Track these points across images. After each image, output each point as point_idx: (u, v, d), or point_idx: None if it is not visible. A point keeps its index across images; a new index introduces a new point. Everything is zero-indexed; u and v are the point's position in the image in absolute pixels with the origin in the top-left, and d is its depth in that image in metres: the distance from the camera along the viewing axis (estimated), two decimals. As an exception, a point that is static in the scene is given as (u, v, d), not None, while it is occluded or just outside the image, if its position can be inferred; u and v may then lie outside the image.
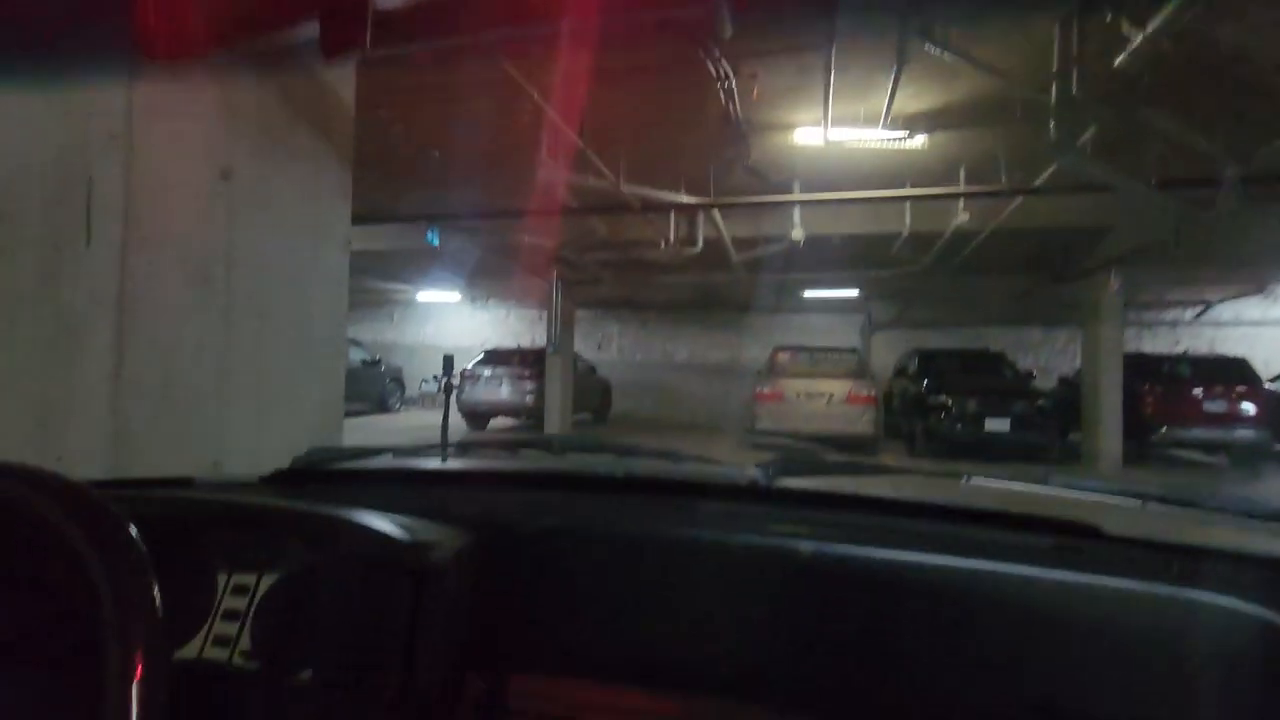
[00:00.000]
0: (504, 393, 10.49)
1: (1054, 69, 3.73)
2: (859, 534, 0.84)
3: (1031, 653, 0.71)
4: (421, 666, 0.71)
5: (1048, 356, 12.98)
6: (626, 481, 1.07)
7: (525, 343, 13.53)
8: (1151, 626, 0.68)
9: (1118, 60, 3.47)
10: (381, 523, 0.78)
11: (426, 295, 14.09)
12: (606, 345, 15.03)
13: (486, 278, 11.70)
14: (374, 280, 12.11)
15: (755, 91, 4.85)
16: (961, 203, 6.40)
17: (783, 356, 9.66)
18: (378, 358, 12.99)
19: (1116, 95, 4.02)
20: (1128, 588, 0.69)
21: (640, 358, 14.93)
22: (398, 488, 1.11)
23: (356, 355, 11.58)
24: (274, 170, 2.22)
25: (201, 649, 0.79)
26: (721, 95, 4.65)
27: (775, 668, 0.78)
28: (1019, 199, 6.10)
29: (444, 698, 0.82)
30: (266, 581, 0.79)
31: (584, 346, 13.34)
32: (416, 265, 10.80)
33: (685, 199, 6.66)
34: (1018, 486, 0.97)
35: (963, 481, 1.05)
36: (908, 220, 7.12)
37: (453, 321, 15.43)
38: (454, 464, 1.29)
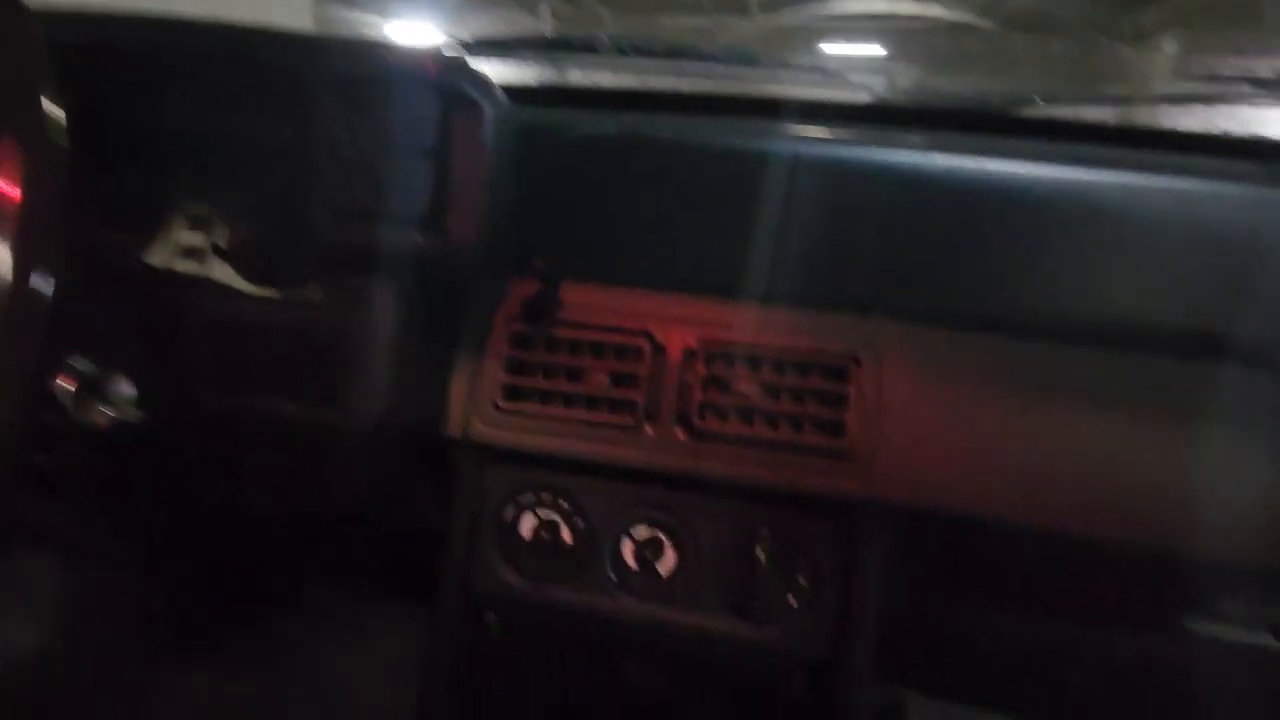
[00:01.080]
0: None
1: None
2: (1005, 150, 0.71)
3: (1225, 278, 0.62)
4: (453, 230, 0.59)
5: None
6: (705, 100, 0.90)
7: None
8: None
9: None
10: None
11: (399, 30, 12.64)
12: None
13: (468, 11, 10.38)
14: (340, 9, 10.70)
15: None
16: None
17: (792, 120, 9.13)
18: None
19: None
20: None
21: (635, 119, 14.01)
22: None
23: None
24: None
25: (172, 259, 0.67)
26: None
27: (883, 285, 0.69)
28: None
29: (489, 298, 0.73)
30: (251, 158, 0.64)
31: (576, 103, 12.42)
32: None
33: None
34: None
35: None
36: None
37: (432, 68, 14.10)
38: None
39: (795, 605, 0.71)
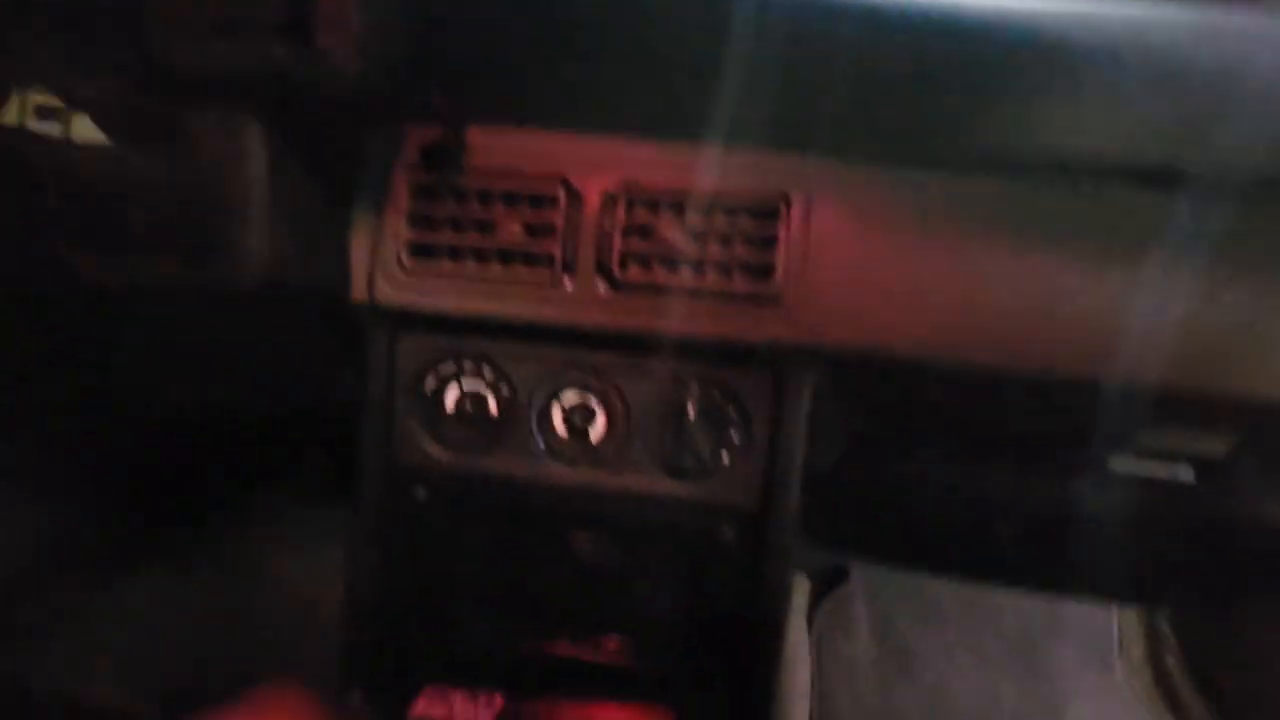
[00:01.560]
0: None
1: None
2: None
3: (1173, 108, 0.59)
4: (323, 44, 0.51)
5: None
6: None
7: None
8: None
9: None
10: None
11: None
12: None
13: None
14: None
15: None
16: None
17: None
18: None
19: None
20: None
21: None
22: None
23: None
24: None
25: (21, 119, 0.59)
26: None
27: (814, 122, 0.64)
28: None
29: (386, 145, 0.66)
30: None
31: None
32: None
33: None
34: None
35: None
36: None
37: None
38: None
39: (727, 461, 0.70)
